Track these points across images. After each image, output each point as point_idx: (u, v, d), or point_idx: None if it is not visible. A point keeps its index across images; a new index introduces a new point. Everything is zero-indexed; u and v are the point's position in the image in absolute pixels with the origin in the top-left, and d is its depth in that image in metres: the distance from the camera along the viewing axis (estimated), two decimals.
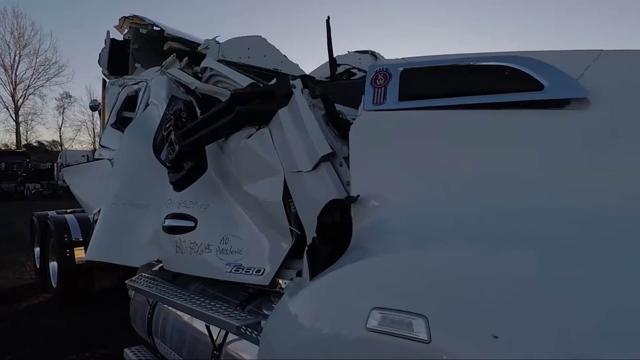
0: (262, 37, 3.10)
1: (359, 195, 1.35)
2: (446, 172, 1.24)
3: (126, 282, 2.83)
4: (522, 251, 0.92)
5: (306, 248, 1.43)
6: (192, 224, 2.34)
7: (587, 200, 0.97)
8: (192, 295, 2.29)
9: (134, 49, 4.11)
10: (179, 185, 2.07)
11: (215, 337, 2.05)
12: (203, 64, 2.60)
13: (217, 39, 3.11)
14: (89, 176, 3.27)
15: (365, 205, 1.35)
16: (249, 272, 1.99)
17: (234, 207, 2.23)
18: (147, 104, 3.13)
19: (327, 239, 1.38)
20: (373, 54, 3.58)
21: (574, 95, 1.08)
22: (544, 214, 0.99)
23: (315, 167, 1.68)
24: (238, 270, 2.04)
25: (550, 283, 0.82)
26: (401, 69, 1.41)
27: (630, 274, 0.80)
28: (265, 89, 1.93)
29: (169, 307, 2.43)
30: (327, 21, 2.05)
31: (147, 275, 2.90)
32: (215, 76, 2.47)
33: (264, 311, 1.99)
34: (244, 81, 2.23)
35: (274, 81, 2.04)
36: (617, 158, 1.02)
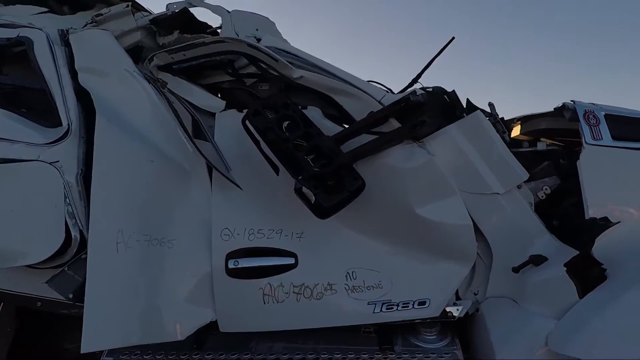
0: (271, 20, 2.50)
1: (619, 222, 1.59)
2: None
3: None
4: None
5: (566, 267, 1.53)
6: (291, 260, 1.74)
7: None
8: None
9: None
10: (333, 210, 1.55)
11: None
12: (266, 42, 1.90)
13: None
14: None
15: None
16: (407, 307, 1.75)
17: (340, 233, 1.83)
18: (72, 72, 1.92)
19: (594, 258, 1.54)
20: None
21: None
22: None
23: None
24: (392, 308, 1.74)
25: None
26: (603, 113, 1.75)
27: None
28: (431, 101, 1.76)
29: None
30: (450, 41, 2.04)
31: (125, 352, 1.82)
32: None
33: (421, 345, 1.80)
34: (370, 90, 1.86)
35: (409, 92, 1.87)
36: None
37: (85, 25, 2.22)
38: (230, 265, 1.71)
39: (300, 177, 1.55)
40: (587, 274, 1.53)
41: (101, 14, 2.19)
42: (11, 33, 1.99)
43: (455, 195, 1.73)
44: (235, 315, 1.74)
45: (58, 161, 1.70)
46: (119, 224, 1.60)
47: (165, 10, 2.36)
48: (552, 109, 1.92)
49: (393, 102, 1.71)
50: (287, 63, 1.78)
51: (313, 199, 1.54)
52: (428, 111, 1.76)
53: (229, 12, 2.28)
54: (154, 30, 2.33)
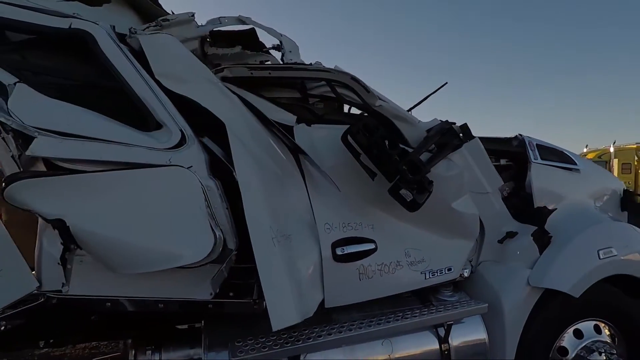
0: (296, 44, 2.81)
1: (556, 208, 2.68)
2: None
3: None
4: None
5: (532, 236, 2.55)
6: (373, 245, 2.26)
7: None
8: (373, 321, 2.27)
9: None
10: (421, 206, 2.14)
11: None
12: (340, 69, 2.29)
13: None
14: (137, 197, 1.43)
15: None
16: (441, 273, 2.49)
17: (396, 222, 2.44)
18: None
19: (546, 230, 2.59)
20: None
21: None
22: None
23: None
24: (434, 275, 2.46)
25: None
26: (535, 143, 2.86)
27: None
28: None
29: None
30: (443, 85, 2.84)
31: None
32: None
33: (447, 299, 2.56)
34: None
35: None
36: None
37: (147, 27, 2.20)
38: (338, 252, 2.13)
39: (399, 182, 2.11)
40: (543, 240, 2.58)
41: (167, 19, 2.23)
42: (61, 22, 1.88)
43: (467, 193, 2.56)
44: (338, 292, 2.15)
45: (192, 166, 1.80)
46: (269, 223, 1.83)
47: (214, 22, 2.50)
48: (503, 137, 2.98)
49: (441, 129, 2.41)
50: (375, 94, 2.29)
51: (409, 198, 2.12)
52: (456, 136, 2.53)
53: (281, 35, 2.58)
54: (207, 40, 2.45)
